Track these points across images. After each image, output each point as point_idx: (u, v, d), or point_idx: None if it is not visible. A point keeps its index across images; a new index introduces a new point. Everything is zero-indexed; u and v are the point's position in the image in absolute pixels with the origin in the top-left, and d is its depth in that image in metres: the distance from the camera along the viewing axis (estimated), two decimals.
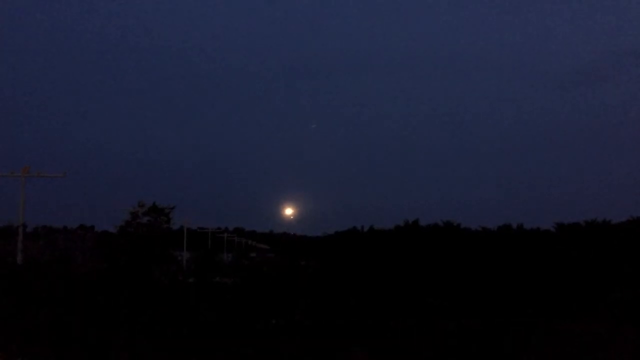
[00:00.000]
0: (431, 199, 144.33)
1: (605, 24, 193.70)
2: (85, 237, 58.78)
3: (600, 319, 24.14)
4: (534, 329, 21.40)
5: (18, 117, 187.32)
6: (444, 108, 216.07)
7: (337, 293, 33.56)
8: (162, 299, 28.26)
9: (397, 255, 43.61)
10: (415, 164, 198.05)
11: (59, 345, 16.89)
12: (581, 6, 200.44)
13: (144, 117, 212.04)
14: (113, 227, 37.96)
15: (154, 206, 35.77)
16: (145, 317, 22.00)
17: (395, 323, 22.17)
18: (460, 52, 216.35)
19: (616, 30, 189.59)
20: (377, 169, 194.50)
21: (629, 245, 40.30)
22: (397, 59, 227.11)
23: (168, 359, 16.48)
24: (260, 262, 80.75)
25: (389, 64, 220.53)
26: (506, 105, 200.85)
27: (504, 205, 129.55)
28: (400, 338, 19.02)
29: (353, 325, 21.63)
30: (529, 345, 17.94)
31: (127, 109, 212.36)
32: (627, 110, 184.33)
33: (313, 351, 16.81)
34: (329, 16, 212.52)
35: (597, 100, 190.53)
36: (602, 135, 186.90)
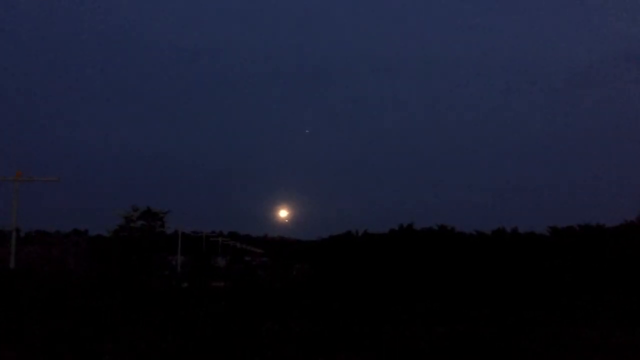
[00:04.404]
0: (426, 203, 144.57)
1: (602, 28, 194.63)
2: (79, 241, 58.49)
3: (595, 323, 24.18)
4: (529, 333, 21.42)
5: (11, 121, 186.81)
6: (439, 112, 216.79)
7: (331, 298, 33.50)
8: (155, 303, 28.16)
9: (391, 259, 43.58)
10: (410, 168, 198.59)
11: (51, 351, 16.78)
12: (579, 9, 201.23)
13: (138, 121, 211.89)
14: (106, 231, 37.85)
15: (148, 210, 35.77)
16: (138, 321, 21.91)
17: (389, 328, 22.12)
18: (456, 55, 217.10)
19: (612, 34, 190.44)
20: (372, 172, 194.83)
21: (624, 249, 40.38)
22: (392, 62, 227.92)
23: None
24: (254, 266, 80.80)
25: (384, 67, 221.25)
26: (501, 108, 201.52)
27: (499, 209, 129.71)
28: (394, 343, 18.97)
29: (347, 330, 21.57)
30: (523, 350, 17.93)
31: (121, 113, 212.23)
32: (622, 114, 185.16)
33: (306, 357, 16.74)
34: (323, 19, 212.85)
35: (592, 104, 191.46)
36: (597, 139, 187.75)
